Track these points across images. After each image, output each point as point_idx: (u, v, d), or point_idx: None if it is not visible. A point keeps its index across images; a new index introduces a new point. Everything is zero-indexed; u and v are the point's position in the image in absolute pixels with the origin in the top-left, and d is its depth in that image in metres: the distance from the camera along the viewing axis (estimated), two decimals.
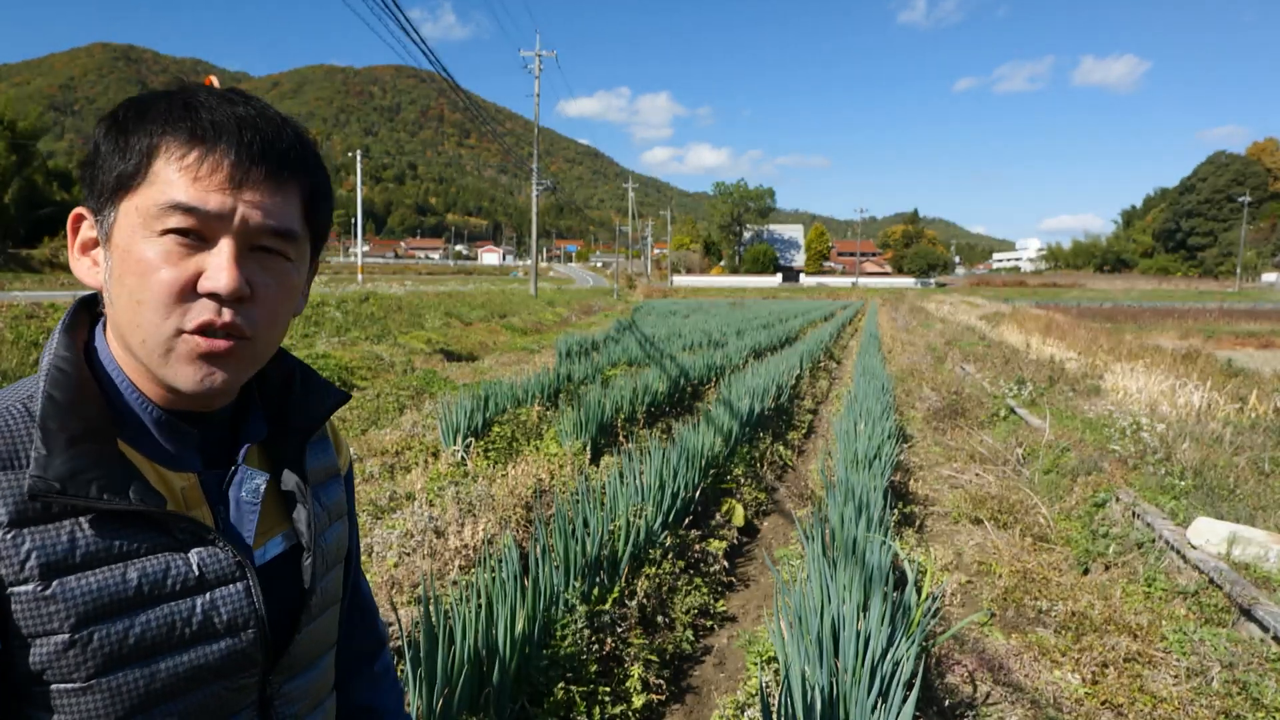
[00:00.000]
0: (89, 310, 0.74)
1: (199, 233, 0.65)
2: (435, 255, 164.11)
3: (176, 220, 0.64)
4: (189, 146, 0.65)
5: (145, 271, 0.65)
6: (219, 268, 0.65)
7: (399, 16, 11.03)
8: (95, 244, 0.70)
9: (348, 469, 0.94)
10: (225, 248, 0.66)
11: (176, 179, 0.65)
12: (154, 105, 0.67)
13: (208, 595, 0.68)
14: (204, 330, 0.66)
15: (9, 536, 0.60)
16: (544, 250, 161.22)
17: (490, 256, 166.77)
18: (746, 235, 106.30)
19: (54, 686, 0.61)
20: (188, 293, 0.65)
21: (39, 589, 0.60)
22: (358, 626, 1.00)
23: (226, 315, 0.66)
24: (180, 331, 0.66)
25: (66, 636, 0.60)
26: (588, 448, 5.66)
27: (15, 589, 0.60)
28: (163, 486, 0.68)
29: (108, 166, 0.67)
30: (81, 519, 0.62)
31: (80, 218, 0.71)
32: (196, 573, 0.67)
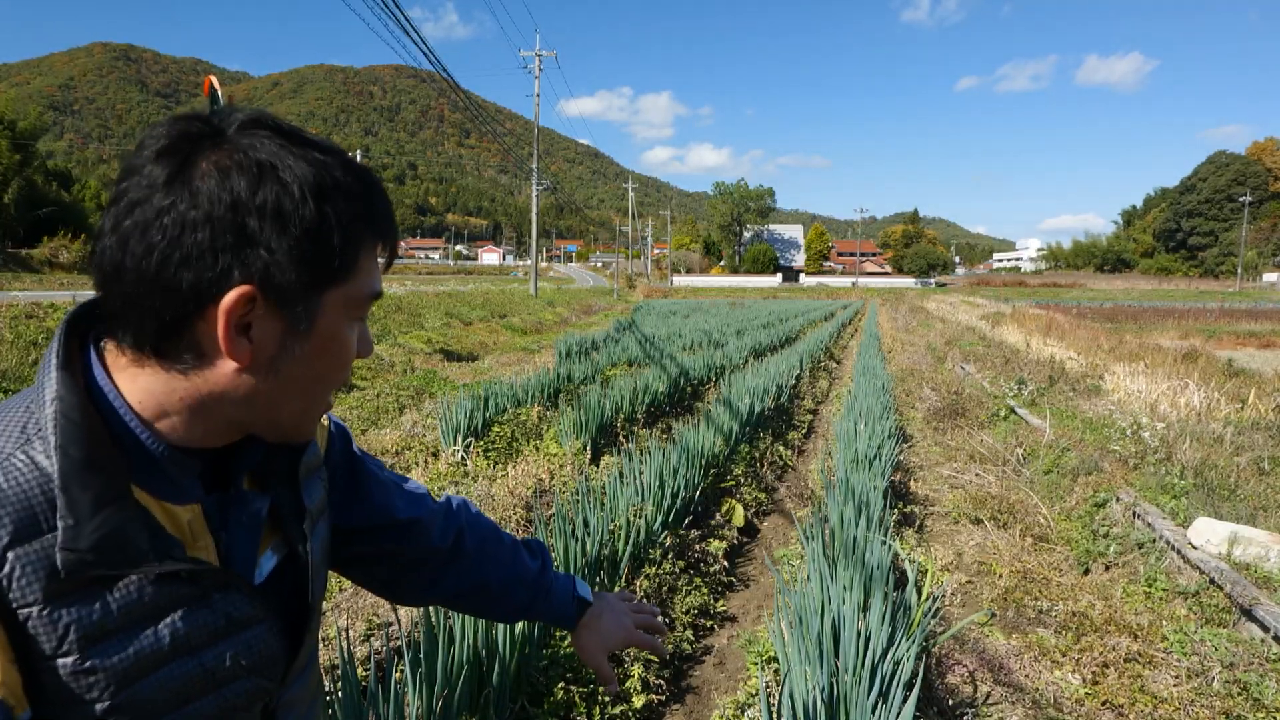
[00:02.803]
0: (75, 334, 0.69)
1: None
2: (435, 255, 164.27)
3: (369, 307, 0.73)
4: (377, 240, 0.72)
5: (344, 354, 0.72)
6: (365, 336, 0.75)
7: (399, 16, 11.03)
8: (250, 326, 0.66)
9: (329, 445, 0.93)
10: (362, 320, 0.75)
11: (372, 270, 0.72)
12: (350, 197, 0.68)
13: (235, 640, 0.69)
14: None
15: (45, 612, 0.59)
16: (544, 250, 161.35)
17: (490, 256, 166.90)
18: (746, 235, 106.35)
19: None
20: None
21: (78, 661, 0.59)
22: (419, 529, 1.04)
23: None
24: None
25: (107, 703, 0.61)
26: (588, 448, 5.66)
27: (56, 662, 0.59)
28: (172, 525, 0.67)
29: (310, 255, 0.65)
30: (112, 584, 0.62)
31: (252, 298, 0.64)
32: (223, 621, 0.68)
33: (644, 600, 3.34)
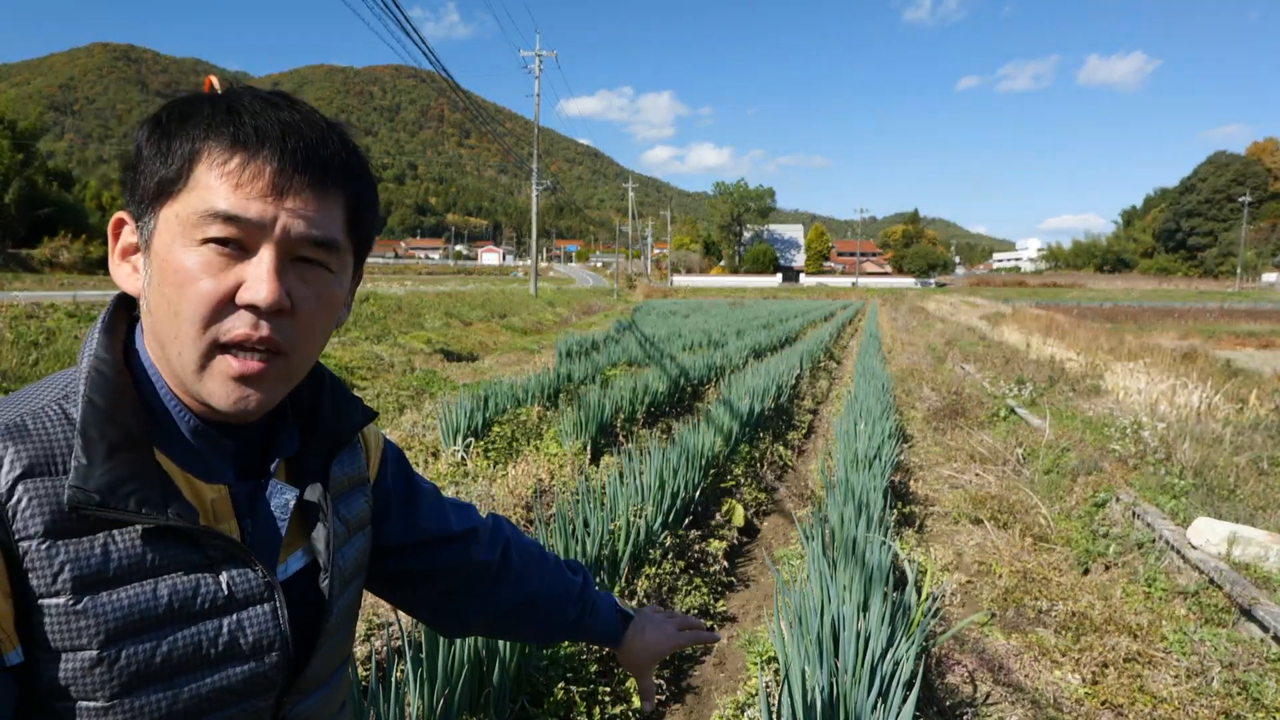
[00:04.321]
0: (127, 308, 0.72)
1: (239, 242, 0.64)
2: (435, 255, 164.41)
3: (217, 229, 0.63)
4: (231, 152, 0.64)
5: (184, 282, 0.63)
6: (258, 278, 0.64)
7: (399, 16, 11.03)
8: (136, 249, 0.69)
9: (381, 468, 0.92)
10: (266, 258, 0.64)
11: (218, 186, 0.63)
12: (197, 109, 0.66)
13: (235, 616, 0.67)
14: (240, 345, 0.64)
15: (44, 547, 0.59)
16: (544, 250, 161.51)
17: (490, 256, 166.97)
18: (746, 235, 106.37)
19: (77, 704, 0.60)
20: (226, 304, 0.64)
21: (70, 603, 0.59)
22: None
23: (264, 329, 0.65)
24: (216, 347, 0.64)
25: (95, 653, 0.59)
26: (588, 448, 5.66)
27: (47, 601, 0.59)
28: (194, 498, 0.67)
29: (149, 171, 0.65)
30: (115, 532, 0.61)
31: (122, 222, 0.70)
32: (226, 592, 0.66)
33: (644, 600, 3.35)
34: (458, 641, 2.28)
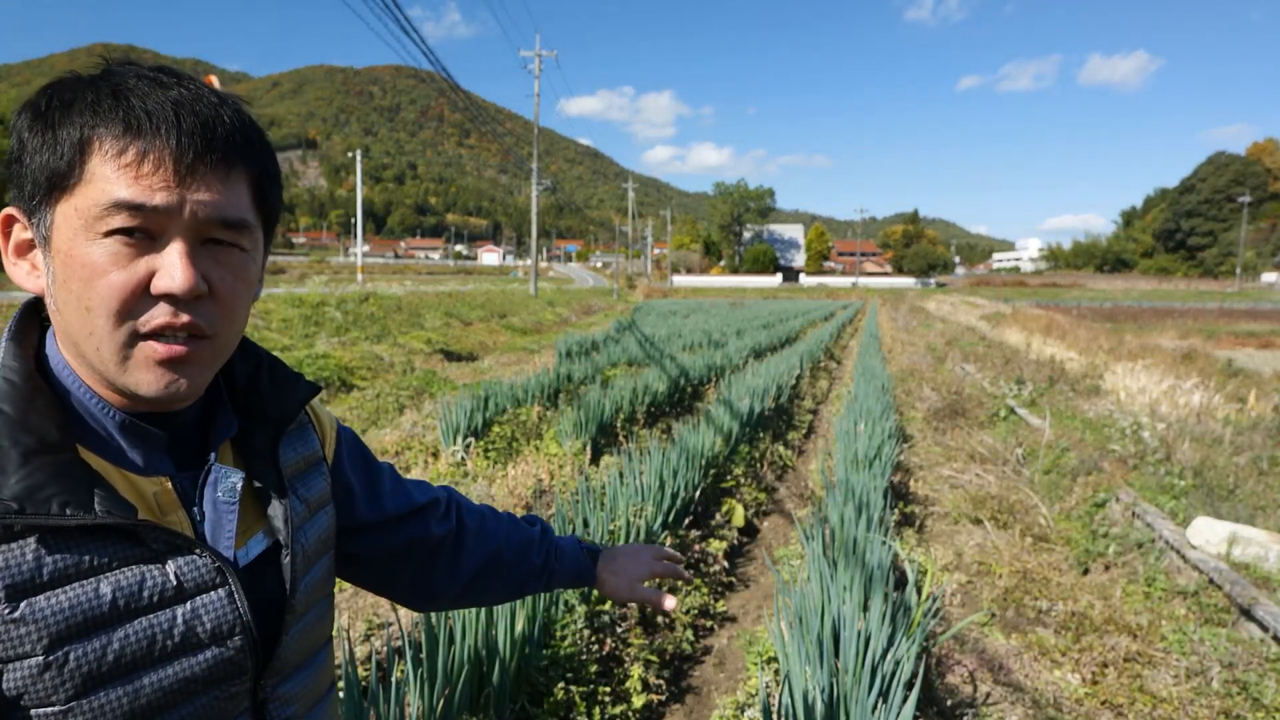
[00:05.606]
0: (37, 314, 0.70)
1: (146, 230, 0.62)
2: (435, 255, 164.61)
3: (121, 219, 0.61)
4: (125, 141, 0.61)
5: (92, 276, 0.61)
6: (172, 266, 0.62)
7: (399, 16, 11.03)
8: (31, 246, 0.66)
9: (338, 449, 0.92)
10: (176, 245, 0.63)
11: (116, 177, 0.61)
12: (80, 93, 0.63)
13: (188, 605, 0.65)
14: (161, 333, 0.63)
15: None
16: (544, 250, 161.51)
17: (490, 256, 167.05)
18: (746, 235, 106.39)
19: (32, 712, 0.59)
20: (140, 295, 0.62)
21: (6, 612, 0.57)
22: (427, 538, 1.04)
23: (184, 316, 0.64)
24: (136, 336, 0.63)
25: (40, 659, 0.58)
26: (588, 448, 5.66)
27: None
28: (133, 494, 0.65)
29: (37, 164, 0.63)
30: (47, 536, 0.60)
31: (12, 219, 0.67)
32: (174, 582, 0.64)
33: None
34: (458, 641, 2.28)
